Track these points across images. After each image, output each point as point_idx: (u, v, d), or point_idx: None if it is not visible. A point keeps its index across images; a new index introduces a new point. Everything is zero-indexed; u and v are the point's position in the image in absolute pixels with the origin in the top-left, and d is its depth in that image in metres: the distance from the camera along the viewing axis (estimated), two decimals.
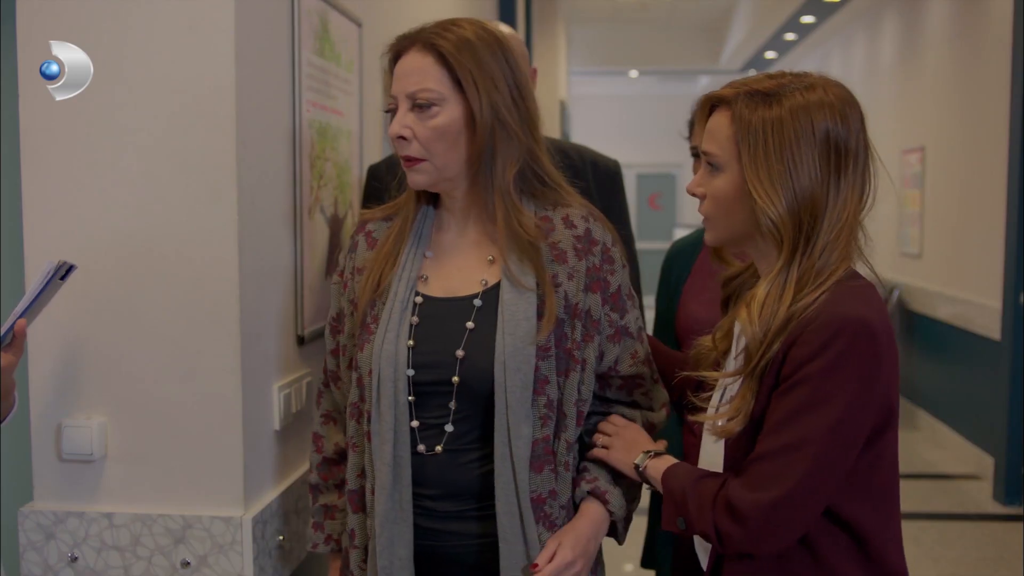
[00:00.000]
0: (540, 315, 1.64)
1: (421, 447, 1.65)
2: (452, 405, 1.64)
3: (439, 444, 1.65)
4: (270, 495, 1.94)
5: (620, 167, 2.58)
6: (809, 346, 1.40)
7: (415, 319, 1.67)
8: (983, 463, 5.73)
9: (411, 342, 1.65)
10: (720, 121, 1.51)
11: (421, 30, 1.67)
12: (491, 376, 1.61)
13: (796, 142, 1.44)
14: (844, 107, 1.47)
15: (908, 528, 5.31)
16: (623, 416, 1.79)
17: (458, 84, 1.62)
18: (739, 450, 1.50)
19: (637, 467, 1.67)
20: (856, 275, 1.50)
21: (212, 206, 1.80)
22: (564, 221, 1.70)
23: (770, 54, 11.84)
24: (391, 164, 2.42)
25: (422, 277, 1.71)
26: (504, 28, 2.40)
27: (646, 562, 2.48)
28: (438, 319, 1.67)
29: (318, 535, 1.83)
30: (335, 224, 2.35)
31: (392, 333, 1.65)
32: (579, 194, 1.78)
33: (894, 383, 1.47)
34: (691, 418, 1.59)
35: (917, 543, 4.72)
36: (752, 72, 13.17)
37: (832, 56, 10.53)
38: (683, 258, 2.38)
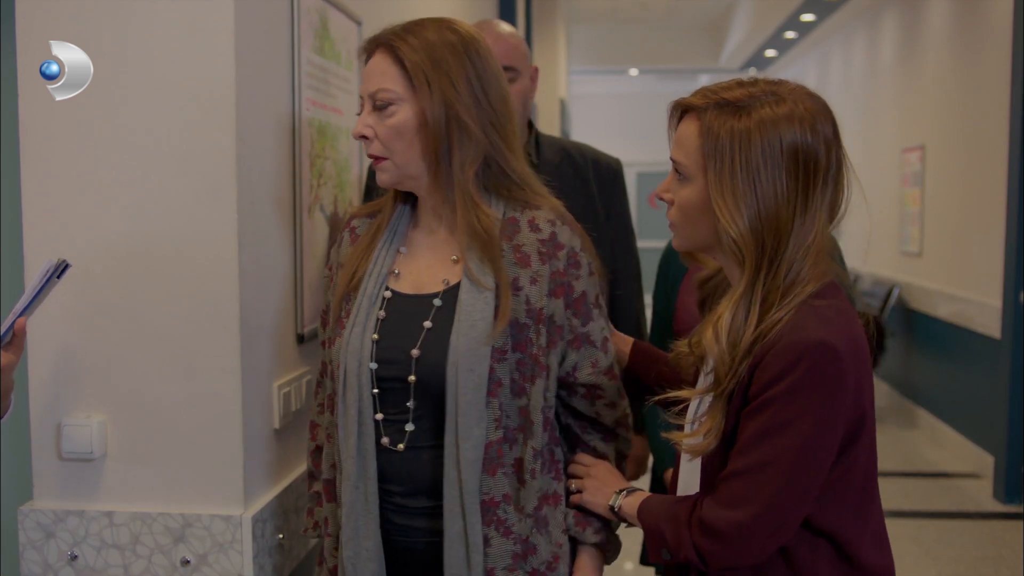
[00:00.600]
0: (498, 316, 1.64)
1: (385, 440, 1.68)
2: (410, 404, 1.67)
3: (401, 442, 1.67)
4: (270, 493, 1.94)
5: (622, 165, 2.58)
6: (772, 370, 1.40)
7: (382, 314, 1.70)
8: (983, 462, 5.73)
9: (376, 336, 1.68)
10: (689, 130, 1.49)
11: (384, 32, 1.71)
12: (444, 376, 1.63)
13: (763, 159, 1.41)
14: (815, 120, 1.43)
15: (908, 527, 5.34)
16: (595, 451, 1.79)
17: (414, 84, 1.65)
18: (714, 469, 1.50)
19: (612, 508, 1.67)
20: (828, 290, 1.47)
21: (212, 205, 1.80)
22: (530, 224, 1.69)
23: (770, 52, 11.84)
24: None
25: (394, 273, 1.73)
26: (505, 27, 2.40)
27: (646, 559, 2.48)
28: (403, 315, 1.69)
29: (308, 521, 1.87)
30: (335, 222, 2.35)
31: (359, 327, 1.68)
32: (553, 195, 1.76)
33: (866, 394, 1.46)
34: (664, 435, 1.59)
35: (917, 542, 4.72)
36: (752, 71, 13.19)
37: (832, 55, 10.53)
38: (678, 255, 2.38)
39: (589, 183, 2.42)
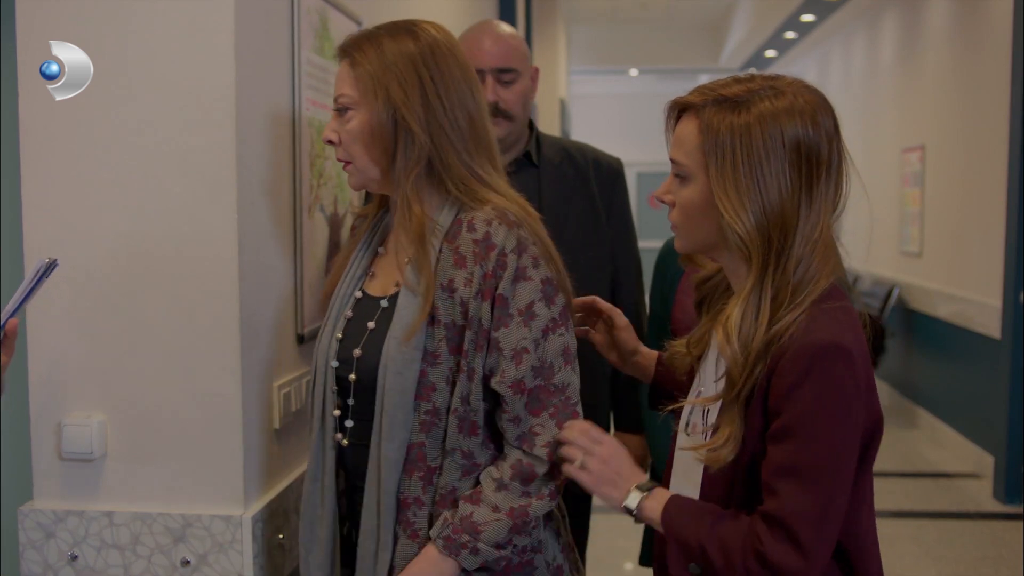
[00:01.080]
0: (433, 319, 1.65)
1: (338, 435, 1.75)
2: (351, 401, 1.72)
3: (346, 437, 1.74)
4: (270, 493, 1.94)
5: (623, 165, 2.58)
6: (789, 376, 1.37)
7: (349, 313, 1.76)
8: (983, 462, 5.73)
9: (339, 335, 1.75)
10: (688, 128, 1.46)
11: (347, 38, 1.74)
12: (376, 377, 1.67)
13: (764, 153, 1.39)
14: (815, 112, 1.42)
15: (908, 527, 5.34)
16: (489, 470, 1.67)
17: (365, 90, 1.69)
18: (720, 480, 1.46)
19: (629, 510, 1.53)
20: (831, 294, 1.44)
21: (212, 205, 1.80)
22: (468, 225, 1.66)
23: (770, 53, 11.84)
24: None
25: (371, 274, 1.79)
26: (504, 28, 2.40)
27: (645, 559, 2.47)
28: (362, 316, 1.74)
29: None
30: (335, 223, 2.35)
31: (330, 327, 1.76)
32: (517, 197, 1.72)
33: (875, 397, 1.45)
34: (681, 448, 1.55)
35: (917, 542, 4.72)
36: (752, 71, 13.17)
37: (832, 55, 10.53)
38: (676, 256, 2.37)
39: (590, 183, 2.42)
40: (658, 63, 13.61)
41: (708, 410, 1.52)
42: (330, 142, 1.74)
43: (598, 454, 1.56)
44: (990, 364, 5.58)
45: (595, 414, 2.43)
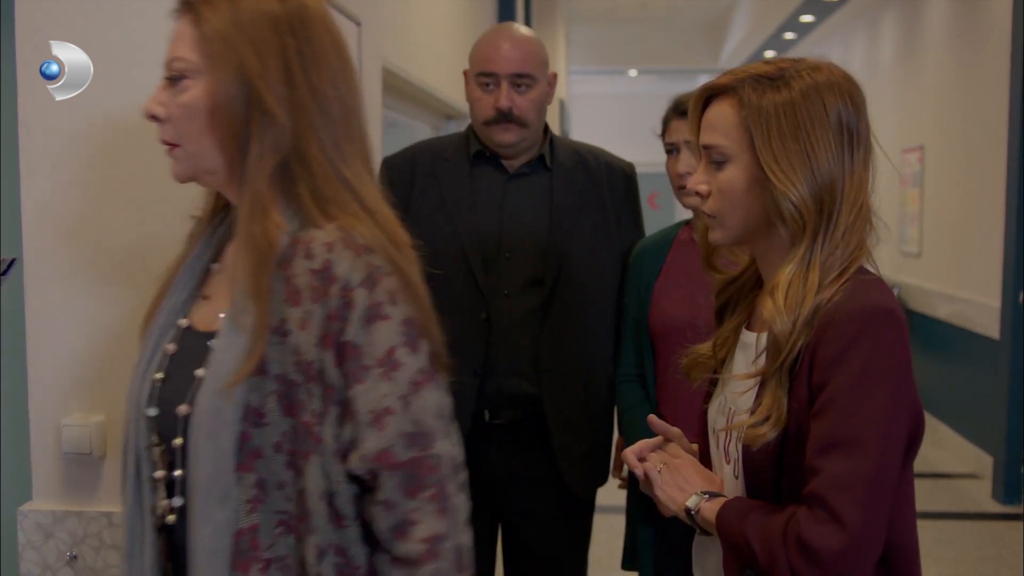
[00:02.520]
0: (261, 369, 1.26)
1: (164, 502, 1.35)
2: (177, 472, 1.32)
3: (172, 513, 1.34)
4: None
5: (635, 170, 2.57)
6: (836, 343, 1.32)
7: (171, 347, 1.37)
8: (982, 462, 5.73)
9: (160, 376, 1.36)
10: (723, 110, 1.44)
11: None
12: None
13: (811, 122, 1.38)
14: (851, 88, 1.43)
15: None
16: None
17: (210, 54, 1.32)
18: (764, 472, 1.40)
19: (689, 511, 1.47)
20: (864, 270, 1.43)
21: None
22: (305, 249, 1.28)
23: (770, 53, 11.84)
24: (407, 157, 2.42)
25: (202, 296, 1.41)
26: (521, 32, 2.40)
27: (627, 563, 2.45)
28: (188, 357, 1.35)
29: None
30: None
31: (143, 363, 1.38)
32: (388, 212, 1.37)
33: (915, 388, 1.40)
34: (721, 429, 1.49)
35: None
36: None
37: (832, 55, 10.52)
38: (651, 257, 2.36)
39: (602, 188, 2.42)
40: (658, 63, 13.61)
41: (740, 395, 1.46)
42: (154, 117, 1.35)
43: (674, 464, 1.53)
44: (989, 365, 5.58)
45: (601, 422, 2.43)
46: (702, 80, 1.56)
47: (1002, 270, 5.36)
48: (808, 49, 11.12)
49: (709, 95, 1.48)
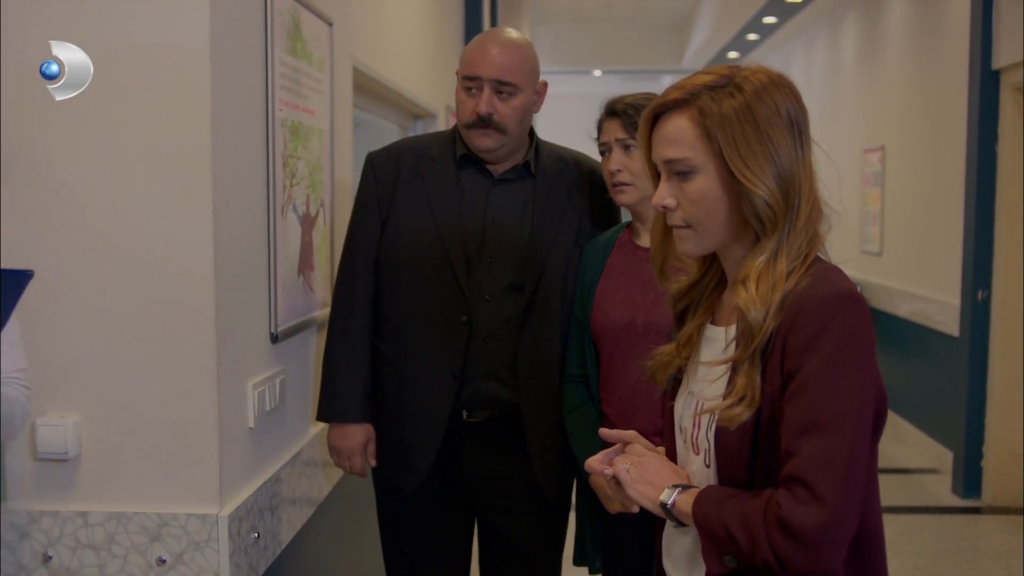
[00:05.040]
0: None
1: None
2: None
3: None
4: (245, 492, 1.95)
5: None
6: (808, 329, 1.37)
7: None
8: (942, 457, 5.82)
9: None
10: (679, 124, 1.47)
11: None
12: None
13: (768, 122, 1.44)
14: (789, 85, 1.49)
15: None
16: None
17: None
18: (738, 457, 1.43)
19: (664, 505, 1.48)
20: (819, 259, 1.49)
21: (187, 205, 1.81)
22: None
23: (733, 54, 11.93)
24: (392, 153, 2.42)
25: None
26: (515, 39, 2.37)
27: (578, 559, 2.47)
28: None
29: None
30: (307, 223, 2.36)
31: None
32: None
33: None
34: (700, 413, 1.51)
35: None
36: None
37: (794, 56, 10.64)
38: (594, 260, 2.35)
39: (584, 193, 2.42)
40: (622, 64, 13.67)
41: (701, 407, 1.50)
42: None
43: (640, 463, 1.54)
44: (949, 362, 5.66)
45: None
46: (666, 81, 1.59)
47: (962, 268, 5.44)
48: (771, 50, 11.22)
49: (658, 112, 1.51)
